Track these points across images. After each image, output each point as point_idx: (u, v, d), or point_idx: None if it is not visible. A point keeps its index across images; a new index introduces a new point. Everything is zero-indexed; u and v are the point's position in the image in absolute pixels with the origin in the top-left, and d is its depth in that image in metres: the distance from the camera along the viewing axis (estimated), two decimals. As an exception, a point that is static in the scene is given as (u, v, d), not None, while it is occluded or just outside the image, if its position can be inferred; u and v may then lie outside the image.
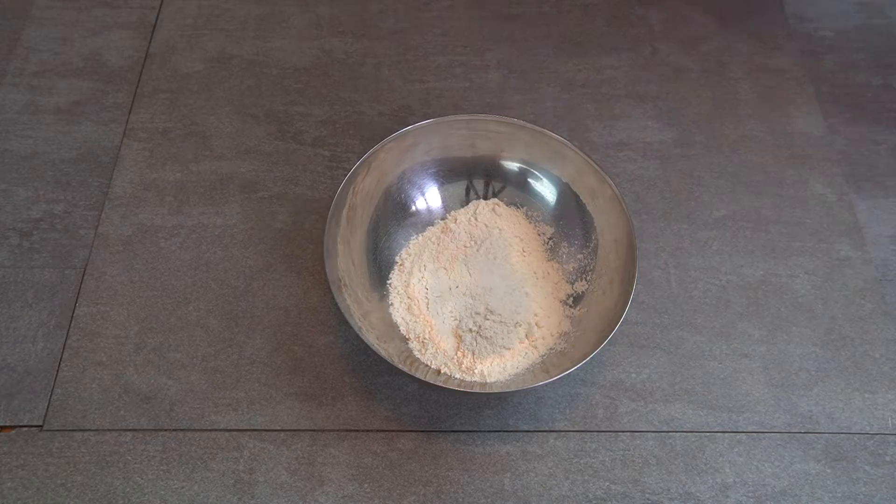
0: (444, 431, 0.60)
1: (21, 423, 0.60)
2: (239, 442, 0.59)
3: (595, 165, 0.63)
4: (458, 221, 0.66)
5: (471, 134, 0.66)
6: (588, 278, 0.63)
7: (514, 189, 0.68)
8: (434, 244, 0.65)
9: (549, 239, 0.66)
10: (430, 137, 0.66)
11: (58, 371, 0.62)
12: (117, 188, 0.72)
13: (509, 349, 0.60)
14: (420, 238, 0.66)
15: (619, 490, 0.57)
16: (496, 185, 0.68)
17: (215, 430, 0.60)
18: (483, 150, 0.67)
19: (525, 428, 0.60)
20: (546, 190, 0.67)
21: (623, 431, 0.60)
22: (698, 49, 0.83)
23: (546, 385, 0.58)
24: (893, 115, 0.79)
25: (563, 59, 0.82)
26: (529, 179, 0.67)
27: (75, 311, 0.65)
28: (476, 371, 0.59)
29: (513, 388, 0.57)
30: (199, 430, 0.59)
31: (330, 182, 0.72)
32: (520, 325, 0.61)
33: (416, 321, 0.62)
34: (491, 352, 0.60)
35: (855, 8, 0.87)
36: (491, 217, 0.66)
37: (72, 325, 0.64)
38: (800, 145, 0.76)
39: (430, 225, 0.67)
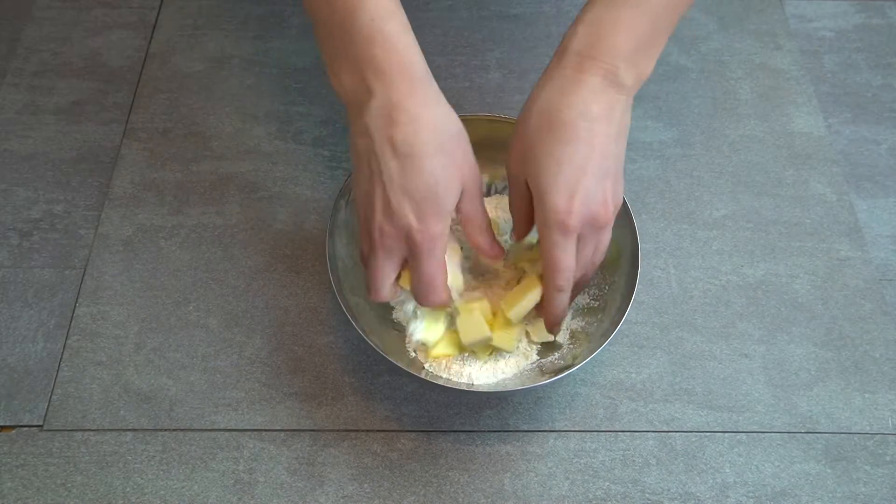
0: (444, 431, 0.60)
1: (21, 423, 0.60)
2: (239, 442, 0.59)
3: None
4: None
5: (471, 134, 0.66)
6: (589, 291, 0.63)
7: None
8: None
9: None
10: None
11: (58, 371, 0.62)
12: (117, 188, 0.72)
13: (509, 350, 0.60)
14: None
15: (619, 490, 0.57)
16: (498, 185, 0.68)
17: (215, 430, 0.60)
18: (484, 150, 0.67)
19: (525, 428, 0.60)
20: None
21: (623, 431, 0.60)
22: (698, 49, 0.83)
23: (546, 385, 0.58)
24: (893, 115, 0.79)
25: (563, 59, 0.82)
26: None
27: (75, 311, 0.65)
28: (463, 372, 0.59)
29: (513, 388, 0.57)
30: (199, 430, 0.59)
31: (330, 182, 0.72)
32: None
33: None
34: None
35: (855, 8, 0.87)
36: (492, 212, 0.66)
37: (72, 325, 0.64)
38: (800, 145, 0.76)
39: None
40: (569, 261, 0.51)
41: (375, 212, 0.51)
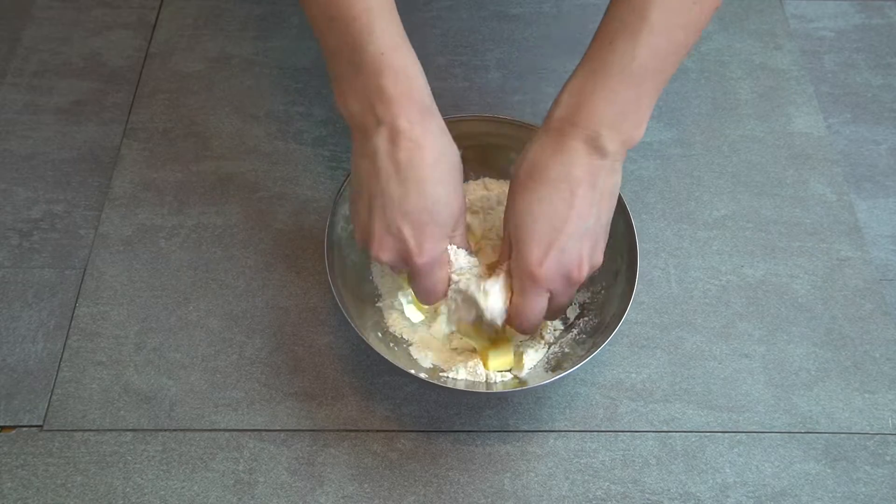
0: (444, 431, 0.60)
1: (21, 423, 0.60)
2: (239, 442, 0.59)
3: None
4: None
5: (471, 134, 0.66)
6: (589, 278, 0.63)
7: None
8: None
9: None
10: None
11: (58, 371, 0.62)
12: (117, 188, 0.72)
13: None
14: None
15: (619, 490, 0.57)
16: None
17: (215, 430, 0.60)
18: (484, 150, 0.67)
19: (525, 428, 0.60)
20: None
21: (623, 431, 0.60)
22: (698, 49, 0.83)
23: (546, 385, 0.58)
24: (893, 115, 0.79)
25: (563, 59, 0.82)
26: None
27: (75, 311, 0.65)
28: (478, 370, 0.59)
29: (513, 389, 0.57)
30: (199, 430, 0.59)
31: (330, 182, 0.72)
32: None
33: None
34: None
35: (855, 8, 0.87)
36: (479, 191, 0.66)
37: (72, 325, 0.64)
38: (800, 145, 0.76)
39: None
40: (534, 311, 0.54)
41: (374, 238, 0.53)
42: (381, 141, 0.51)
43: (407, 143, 0.51)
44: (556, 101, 0.54)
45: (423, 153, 0.51)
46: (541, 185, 0.52)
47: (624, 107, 0.51)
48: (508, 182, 0.57)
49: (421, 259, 0.52)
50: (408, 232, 0.51)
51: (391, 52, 0.51)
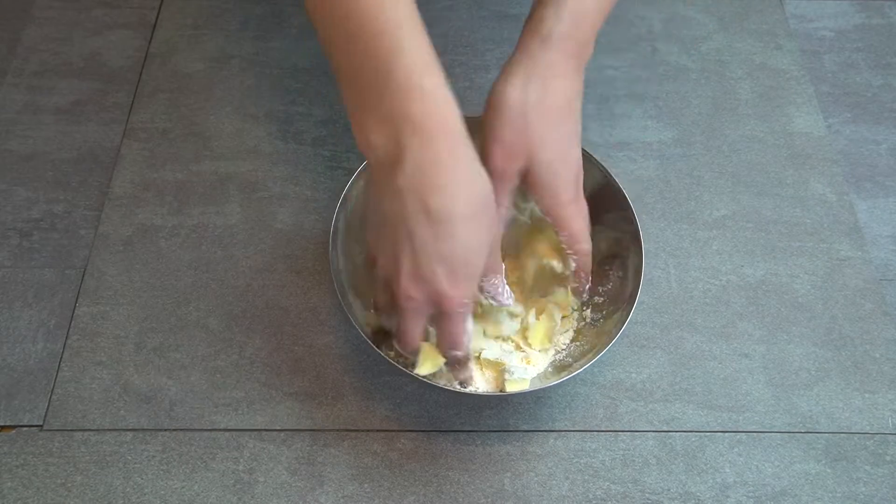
0: (444, 431, 0.60)
1: (21, 423, 0.60)
2: (239, 442, 0.59)
3: (599, 165, 0.63)
4: None
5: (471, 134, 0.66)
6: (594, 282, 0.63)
7: (517, 189, 0.67)
8: None
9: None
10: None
11: (58, 371, 0.62)
12: (117, 188, 0.72)
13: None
14: None
15: (619, 490, 0.57)
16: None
17: (215, 430, 0.60)
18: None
19: (525, 428, 0.60)
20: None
21: (623, 431, 0.60)
22: (698, 49, 0.83)
23: (546, 387, 0.58)
24: (893, 115, 0.79)
25: (563, 59, 0.82)
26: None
27: (75, 311, 0.65)
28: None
29: (512, 391, 0.57)
30: (199, 430, 0.59)
31: (330, 182, 0.72)
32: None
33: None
34: None
35: (855, 8, 0.87)
36: None
37: (72, 325, 0.64)
38: (800, 145, 0.76)
39: None
40: (585, 221, 0.56)
41: (401, 276, 0.49)
42: (409, 180, 0.47)
43: (438, 181, 0.47)
44: (551, 16, 0.53)
45: (455, 191, 0.47)
46: (558, 116, 0.53)
47: (605, 15, 0.55)
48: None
49: (452, 303, 0.49)
50: (441, 275, 0.48)
51: (420, 75, 0.47)
